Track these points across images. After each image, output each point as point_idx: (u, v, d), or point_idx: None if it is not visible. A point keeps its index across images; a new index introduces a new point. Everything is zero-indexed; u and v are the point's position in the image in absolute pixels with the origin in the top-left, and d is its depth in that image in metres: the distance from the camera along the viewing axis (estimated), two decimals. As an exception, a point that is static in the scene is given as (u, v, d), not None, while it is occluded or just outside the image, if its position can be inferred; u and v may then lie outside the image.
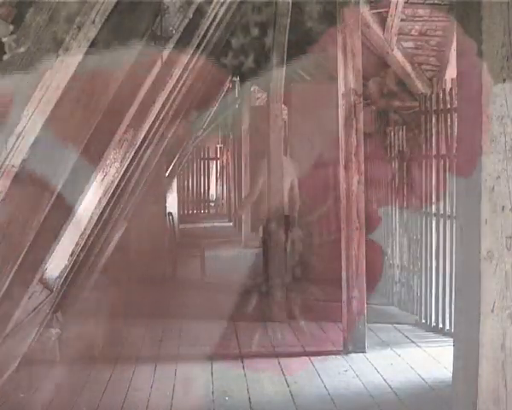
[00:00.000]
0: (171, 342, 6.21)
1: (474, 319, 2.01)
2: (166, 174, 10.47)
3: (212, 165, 21.00)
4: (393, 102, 7.37)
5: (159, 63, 3.60)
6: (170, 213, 10.41)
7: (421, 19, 6.97)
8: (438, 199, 6.40)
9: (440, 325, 6.35)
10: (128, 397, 4.77)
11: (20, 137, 2.38)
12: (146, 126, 4.78)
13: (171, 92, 5.12)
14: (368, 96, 7.62)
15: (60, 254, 4.60)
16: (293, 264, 7.76)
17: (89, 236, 5.26)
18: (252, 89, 13.73)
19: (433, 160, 6.47)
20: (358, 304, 5.68)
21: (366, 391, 4.81)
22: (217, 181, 21.18)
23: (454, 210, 5.90)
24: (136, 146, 4.92)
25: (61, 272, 4.91)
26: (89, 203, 4.47)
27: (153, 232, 9.25)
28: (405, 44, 7.12)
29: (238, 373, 5.28)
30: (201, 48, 5.63)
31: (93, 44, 2.55)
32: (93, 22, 2.37)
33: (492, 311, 1.98)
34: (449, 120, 6.21)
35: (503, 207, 1.99)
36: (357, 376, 5.14)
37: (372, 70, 7.62)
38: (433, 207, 6.48)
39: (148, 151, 6.51)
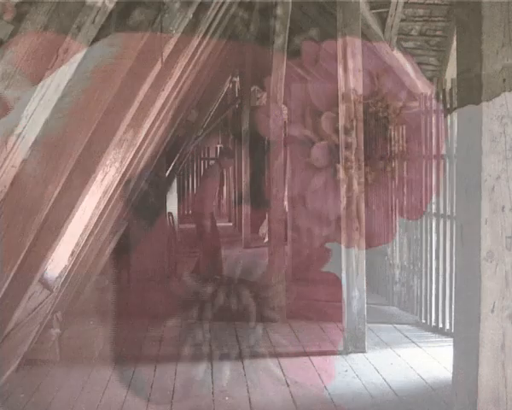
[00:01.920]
0: (171, 342, 6.21)
1: (474, 319, 2.00)
2: (166, 174, 10.46)
3: (212, 165, 20.96)
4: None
5: (159, 63, 3.59)
6: (170, 213, 10.40)
7: (421, 19, 6.97)
8: (438, 199, 6.41)
9: (440, 325, 6.35)
10: (128, 397, 4.77)
11: (20, 138, 2.38)
12: (146, 126, 4.78)
13: (171, 92, 5.12)
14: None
15: (60, 254, 4.60)
16: None
17: (89, 236, 5.26)
18: (252, 89, 13.73)
19: (433, 160, 6.48)
20: (358, 304, 5.68)
21: (366, 391, 4.81)
22: (217, 181, 21.12)
23: (454, 210, 5.90)
24: (136, 146, 4.92)
25: (61, 272, 4.91)
26: (89, 203, 4.47)
27: (153, 232, 9.24)
28: (405, 44, 7.12)
29: (238, 373, 5.28)
30: (202, 47, 5.63)
31: (93, 44, 2.55)
32: (93, 22, 2.37)
33: (492, 311, 1.98)
34: (449, 120, 6.21)
35: (503, 207, 1.99)
36: (357, 376, 5.14)
37: (372, 71, 7.63)
38: (433, 207, 6.48)
39: (148, 151, 6.51)
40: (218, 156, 9.73)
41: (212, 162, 10.17)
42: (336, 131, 5.72)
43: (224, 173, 18.35)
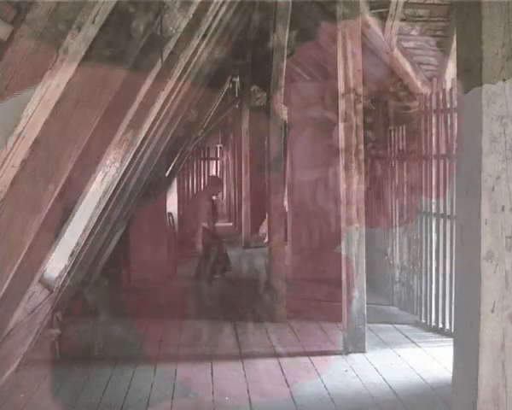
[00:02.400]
0: (171, 342, 6.21)
1: (474, 319, 2.00)
2: (166, 174, 10.46)
3: (212, 165, 20.99)
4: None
5: (159, 63, 3.60)
6: (170, 214, 10.40)
7: (421, 19, 6.97)
8: (438, 199, 6.41)
9: (440, 325, 6.35)
10: (128, 397, 4.77)
11: (20, 138, 2.38)
12: (146, 126, 4.78)
13: (171, 92, 5.12)
14: None
15: (60, 254, 4.60)
16: None
17: (89, 236, 5.27)
18: (252, 89, 13.73)
19: (433, 160, 6.48)
20: (358, 304, 5.67)
21: (366, 391, 4.81)
22: (217, 181, 21.14)
23: (454, 210, 5.90)
24: (136, 146, 4.92)
25: (61, 272, 4.91)
26: (89, 203, 4.47)
27: (153, 232, 9.25)
28: (405, 44, 7.11)
29: (238, 373, 5.28)
30: (202, 48, 5.63)
31: (93, 44, 2.55)
32: (93, 22, 2.37)
33: (492, 311, 1.98)
34: (449, 119, 6.21)
35: (503, 207, 1.99)
36: (357, 376, 5.14)
37: (372, 70, 7.63)
38: (433, 207, 6.48)
39: (148, 151, 6.51)
40: (207, 185, 10.17)
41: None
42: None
43: (224, 173, 18.37)
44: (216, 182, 10.61)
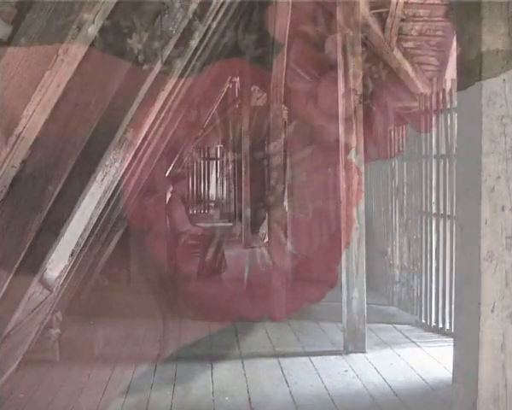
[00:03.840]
0: (170, 342, 6.21)
1: (474, 319, 2.01)
2: (166, 174, 10.47)
3: (212, 165, 20.98)
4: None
5: (159, 63, 3.60)
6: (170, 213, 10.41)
7: (421, 19, 6.97)
8: (438, 199, 6.41)
9: (440, 325, 6.35)
10: (128, 397, 4.77)
11: (20, 138, 2.38)
12: (146, 126, 4.78)
13: (171, 92, 5.12)
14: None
15: (60, 254, 4.60)
16: None
17: (89, 236, 5.26)
18: (252, 89, 13.72)
19: (433, 160, 6.47)
20: (358, 304, 5.68)
21: (366, 391, 4.81)
22: (217, 181, 21.18)
23: (454, 210, 5.90)
24: (136, 146, 4.92)
25: (61, 272, 4.91)
26: (89, 203, 4.47)
27: (153, 232, 9.25)
28: (405, 44, 7.12)
29: (238, 373, 5.28)
30: (202, 47, 5.63)
31: (93, 44, 2.55)
32: (93, 22, 2.37)
33: (492, 311, 1.98)
34: (449, 119, 6.21)
35: (503, 207, 1.99)
36: (357, 376, 5.14)
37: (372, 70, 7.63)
38: (433, 207, 6.48)
39: (148, 151, 6.51)
40: (172, 187, 10.52)
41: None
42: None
43: (224, 173, 18.36)
44: (180, 178, 10.90)
